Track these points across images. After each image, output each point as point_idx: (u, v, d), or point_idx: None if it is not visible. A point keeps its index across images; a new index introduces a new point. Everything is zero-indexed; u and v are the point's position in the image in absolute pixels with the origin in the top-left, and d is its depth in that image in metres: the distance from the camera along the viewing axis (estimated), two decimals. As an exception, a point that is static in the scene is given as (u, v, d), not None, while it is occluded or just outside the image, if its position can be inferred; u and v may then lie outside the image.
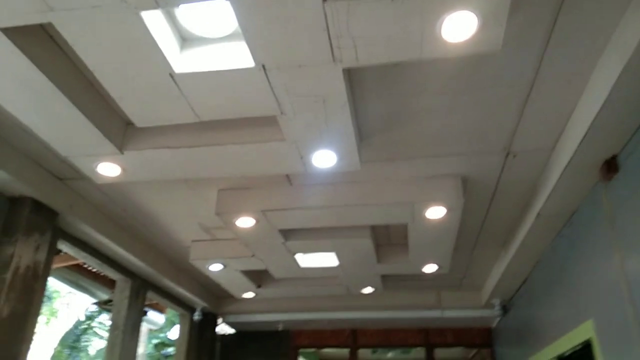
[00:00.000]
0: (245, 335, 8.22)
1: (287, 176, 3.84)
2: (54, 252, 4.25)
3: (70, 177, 4.00)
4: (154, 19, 2.22)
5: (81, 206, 4.28)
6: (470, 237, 4.97)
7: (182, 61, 2.45)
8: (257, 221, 4.14)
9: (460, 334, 7.87)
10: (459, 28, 2.07)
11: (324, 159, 3.18)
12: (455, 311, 7.14)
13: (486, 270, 6.06)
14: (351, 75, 2.70)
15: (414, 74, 2.72)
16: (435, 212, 3.90)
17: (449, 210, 3.86)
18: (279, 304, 7.33)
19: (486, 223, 4.65)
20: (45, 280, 4.00)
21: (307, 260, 5.33)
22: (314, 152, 3.10)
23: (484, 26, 2.06)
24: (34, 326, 3.81)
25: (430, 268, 5.28)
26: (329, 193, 3.93)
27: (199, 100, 2.65)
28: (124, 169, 3.37)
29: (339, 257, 4.98)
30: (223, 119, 3.04)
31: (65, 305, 15.83)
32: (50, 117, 2.83)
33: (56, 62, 2.56)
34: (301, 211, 4.00)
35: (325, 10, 2.00)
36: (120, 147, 3.16)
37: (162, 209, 4.54)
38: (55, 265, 6.10)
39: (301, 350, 8.40)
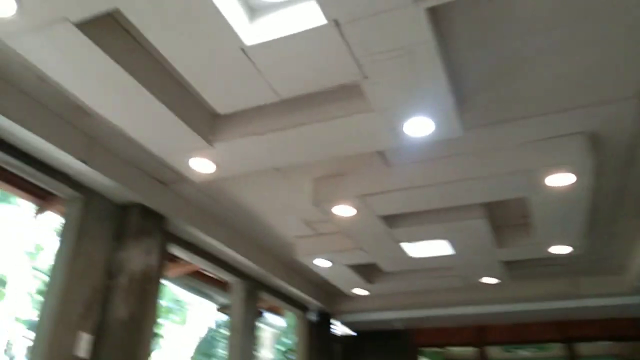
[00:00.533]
0: (364, 336, 8.00)
1: (383, 155, 3.56)
2: (165, 255, 4.40)
3: (173, 181, 4.11)
4: (216, -11, 2.10)
5: (186, 209, 4.39)
6: (608, 208, 4.25)
7: (252, 33, 2.31)
8: (356, 208, 3.90)
9: (605, 325, 6.89)
10: None
11: (419, 127, 2.85)
12: (596, 299, 6.26)
13: (630, 247, 5.18)
14: (438, 23, 2.36)
15: (515, 5, 2.30)
16: (559, 180, 3.35)
17: (576, 175, 3.29)
18: (395, 301, 6.99)
19: (626, 189, 3.92)
20: (158, 283, 4.13)
21: (417, 249, 4.96)
22: (407, 120, 2.79)
23: None
24: (151, 328, 3.93)
25: (560, 249, 4.62)
26: (430, 169, 3.56)
27: (275, 74, 2.49)
28: (217, 164, 3.34)
29: (451, 243, 4.55)
30: (305, 99, 2.88)
31: (198, 314, 16.90)
32: (137, 115, 2.87)
33: (135, 57, 2.57)
34: (401, 193, 3.68)
35: None
36: (209, 140, 3.12)
37: (262, 205, 4.50)
38: (176, 273, 6.41)
39: (423, 349, 7.95)
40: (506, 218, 4.59)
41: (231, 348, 5.30)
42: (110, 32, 2.42)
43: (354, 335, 8.00)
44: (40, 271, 12.55)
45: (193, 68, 2.46)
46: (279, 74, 2.48)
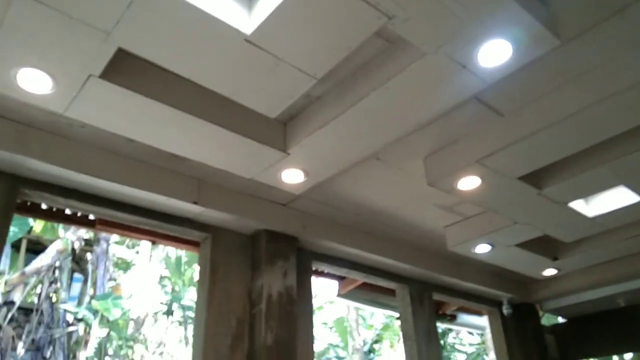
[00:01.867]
0: (579, 322, 6.76)
1: (488, 105, 2.92)
2: (308, 274, 4.35)
3: (290, 200, 4.06)
4: (194, -9, 1.97)
5: (314, 224, 4.28)
6: None
7: (251, 20, 2.11)
8: (481, 176, 3.28)
9: None
10: None
11: (494, 53, 2.25)
12: None
13: None
14: None
15: None
16: None
17: None
18: (605, 274, 5.70)
19: None
20: (304, 303, 4.08)
21: (593, 206, 3.98)
22: (474, 50, 2.23)
23: None
24: (306, 349, 3.86)
25: None
26: (555, 103, 2.80)
27: (296, 54, 2.23)
28: (303, 170, 3.18)
29: (630, 186, 3.52)
30: (357, 75, 2.56)
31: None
32: (207, 144, 2.89)
33: (175, 88, 2.58)
34: (528, 142, 2.97)
35: None
36: (284, 148, 2.97)
37: (390, 202, 4.14)
38: (346, 289, 6.37)
39: (666, 326, 6.33)
40: None
41: (408, 357, 4.93)
42: (141, 73, 2.48)
43: (564, 323, 6.82)
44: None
45: (217, 80, 2.37)
46: (299, 52, 2.21)
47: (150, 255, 13.45)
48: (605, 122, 2.80)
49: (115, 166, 3.23)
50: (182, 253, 13.40)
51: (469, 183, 3.37)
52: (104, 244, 11.20)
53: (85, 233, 10.81)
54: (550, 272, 5.33)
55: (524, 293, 6.35)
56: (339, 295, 6.34)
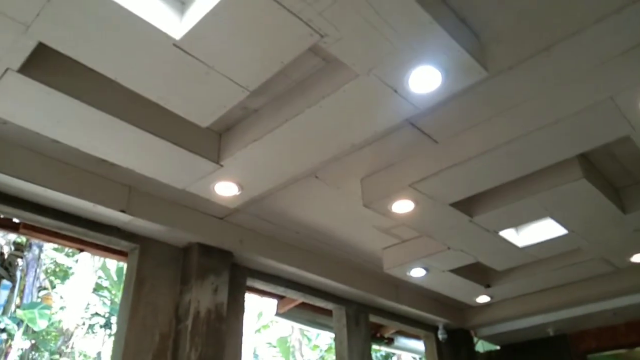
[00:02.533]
0: (512, 349, 6.92)
1: (425, 133, 2.98)
2: (241, 291, 4.24)
3: (228, 214, 3.97)
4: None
5: (252, 240, 4.20)
6: None
7: (183, 26, 2.06)
8: (415, 200, 3.32)
9: None
10: None
11: (424, 79, 2.29)
12: None
13: None
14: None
15: None
16: (662, 100, 2.44)
17: (684, 87, 2.36)
18: (536, 303, 5.87)
19: None
20: (234, 320, 3.96)
21: (525, 236, 4.10)
22: (404, 75, 2.26)
23: None
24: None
25: None
26: (487, 132, 2.88)
27: (228, 64, 2.19)
28: (237, 184, 3.11)
29: (558, 220, 3.65)
30: (294, 91, 2.55)
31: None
32: (136, 150, 2.78)
33: (105, 93, 2.47)
34: (460, 168, 3.03)
35: None
36: (217, 159, 2.90)
37: (327, 221, 4.13)
38: (285, 308, 6.26)
39: (590, 356, 6.57)
40: (626, 174, 3.56)
41: (341, 381, 4.88)
42: (70, 72, 2.37)
43: (498, 350, 6.97)
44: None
45: (143, 84, 2.29)
46: (231, 62, 2.17)
47: (92, 265, 12.84)
48: (534, 154, 2.90)
49: (38, 167, 3.06)
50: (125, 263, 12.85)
51: (403, 206, 3.40)
52: (36, 250, 10.60)
53: (17, 237, 10.23)
54: (483, 299, 5.44)
55: (459, 319, 6.45)
56: (277, 314, 6.22)
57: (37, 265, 10.64)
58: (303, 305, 6.43)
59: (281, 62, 2.17)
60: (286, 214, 3.99)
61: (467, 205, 3.56)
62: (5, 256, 10.31)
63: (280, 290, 4.77)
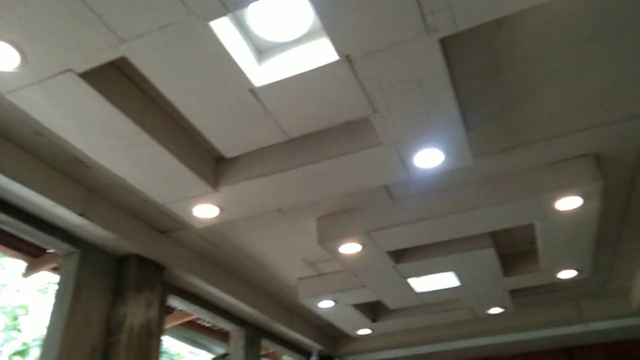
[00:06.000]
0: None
1: (388, 189, 3.51)
2: (165, 307, 4.21)
3: (172, 229, 3.97)
4: (225, 31, 2.07)
5: (185, 257, 4.23)
6: (611, 229, 4.24)
7: (261, 73, 2.28)
8: (363, 245, 3.80)
9: (613, 349, 6.79)
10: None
11: (429, 158, 2.81)
12: (601, 322, 6.17)
13: (633, 268, 5.17)
14: (447, 52, 2.36)
15: (523, 31, 2.31)
16: (568, 204, 3.33)
17: (585, 198, 3.27)
18: (400, 339, 6.80)
19: (629, 209, 3.94)
20: (159, 338, 3.93)
21: (423, 284, 4.85)
22: (417, 152, 2.75)
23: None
24: (155, 385, 3.71)
25: (567, 274, 4.57)
26: (438, 201, 3.52)
27: (285, 114, 2.45)
28: (221, 208, 3.23)
29: (459, 275, 4.47)
30: (311, 136, 2.84)
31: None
32: (140, 163, 2.77)
33: (137, 103, 2.50)
34: (408, 226, 3.61)
35: (411, -33, 1.72)
36: (214, 184, 3.03)
37: (264, 248, 4.37)
38: (169, 324, 6.15)
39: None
40: (512, 245, 4.55)
41: (236, 401, 5.03)
42: (112, 79, 2.36)
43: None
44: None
45: (200, 112, 2.40)
46: (289, 113, 2.43)
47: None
48: (469, 224, 3.61)
49: (9, 158, 2.83)
50: None
51: (350, 249, 3.85)
52: None
53: None
54: (364, 331, 6.09)
55: (331, 346, 7.06)
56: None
57: None
58: (187, 323, 6.41)
59: (330, 122, 2.50)
60: (227, 236, 4.14)
61: (397, 254, 4.16)
62: None
63: (193, 309, 4.79)
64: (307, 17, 2.18)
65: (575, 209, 3.38)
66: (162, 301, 4.08)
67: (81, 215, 3.23)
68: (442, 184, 3.46)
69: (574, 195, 3.24)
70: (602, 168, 3.24)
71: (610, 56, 2.45)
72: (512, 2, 1.86)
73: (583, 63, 2.49)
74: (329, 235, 3.77)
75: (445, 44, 2.27)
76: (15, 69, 2.06)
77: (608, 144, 3.07)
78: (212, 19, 1.91)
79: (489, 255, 4.11)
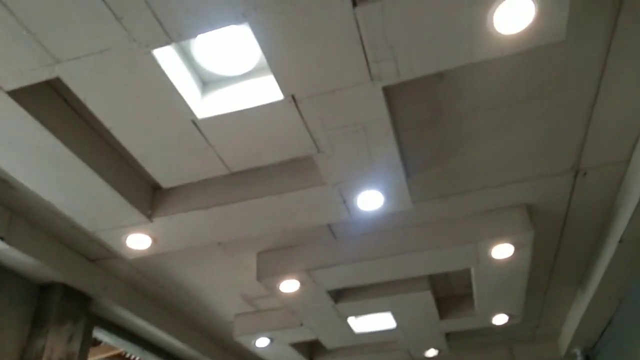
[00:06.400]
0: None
1: (330, 228, 3.50)
2: (89, 341, 3.94)
3: (101, 257, 3.76)
4: (169, 61, 2.02)
5: (115, 288, 4.01)
6: (541, 276, 4.42)
7: (205, 105, 2.24)
8: (302, 283, 3.74)
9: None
10: (513, 16, 1.77)
11: (370, 200, 2.84)
12: (533, 367, 6.35)
13: (562, 314, 5.38)
14: (390, 100, 2.42)
15: (463, 86, 2.41)
16: (502, 251, 3.44)
17: (517, 246, 3.39)
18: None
19: (558, 258, 4.12)
20: (79, 374, 3.66)
21: (361, 324, 4.82)
22: (359, 194, 2.77)
23: (543, 11, 1.77)
24: None
25: (500, 319, 4.68)
26: (378, 242, 3.54)
27: (228, 148, 2.40)
28: (154, 240, 3.10)
29: (396, 316, 4.47)
30: (254, 170, 2.80)
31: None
32: (71, 188, 2.62)
33: (71, 126, 2.38)
34: (348, 266, 3.59)
35: (357, 16, 1.75)
36: (149, 214, 2.91)
37: (200, 282, 4.21)
38: (95, 357, 5.78)
39: None
40: (449, 288, 4.62)
41: None
42: (46, 100, 2.24)
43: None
44: None
45: (137, 140, 2.31)
46: (232, 147, 2.39)
47: None
48: (408, 267, 3.63)
49: None
50: None
51: (289, 286, 3.77)
52: None
53: None
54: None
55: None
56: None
57: None
58: (113, 357, 6.06)
59: (275, 159, 2.48)
60: (161, 267, 3.97)
61: (336, 293, 4.13)
62: None
63: (119, 343, 4.52)
64: (255, 53, 2.17)
65: (508, 257, 3.49)
66: (87, 334, 3.82)
67: (1, 239, 3.00)
68: (383, 226, 3.49)
69: (507, 243, 3.34)
70: (534, 219, 3.39)
71: (538, 116, 2.59)
72: (452, 58, 1.93)
73: (516, 120, 2.61)
74: (269, 271, 3.69)
75: (389, 92, 2.33)
76: None
77: (539, 196, 3.22)
78: (154, 48, 1.86)
79: (426, 298, 4.14)
